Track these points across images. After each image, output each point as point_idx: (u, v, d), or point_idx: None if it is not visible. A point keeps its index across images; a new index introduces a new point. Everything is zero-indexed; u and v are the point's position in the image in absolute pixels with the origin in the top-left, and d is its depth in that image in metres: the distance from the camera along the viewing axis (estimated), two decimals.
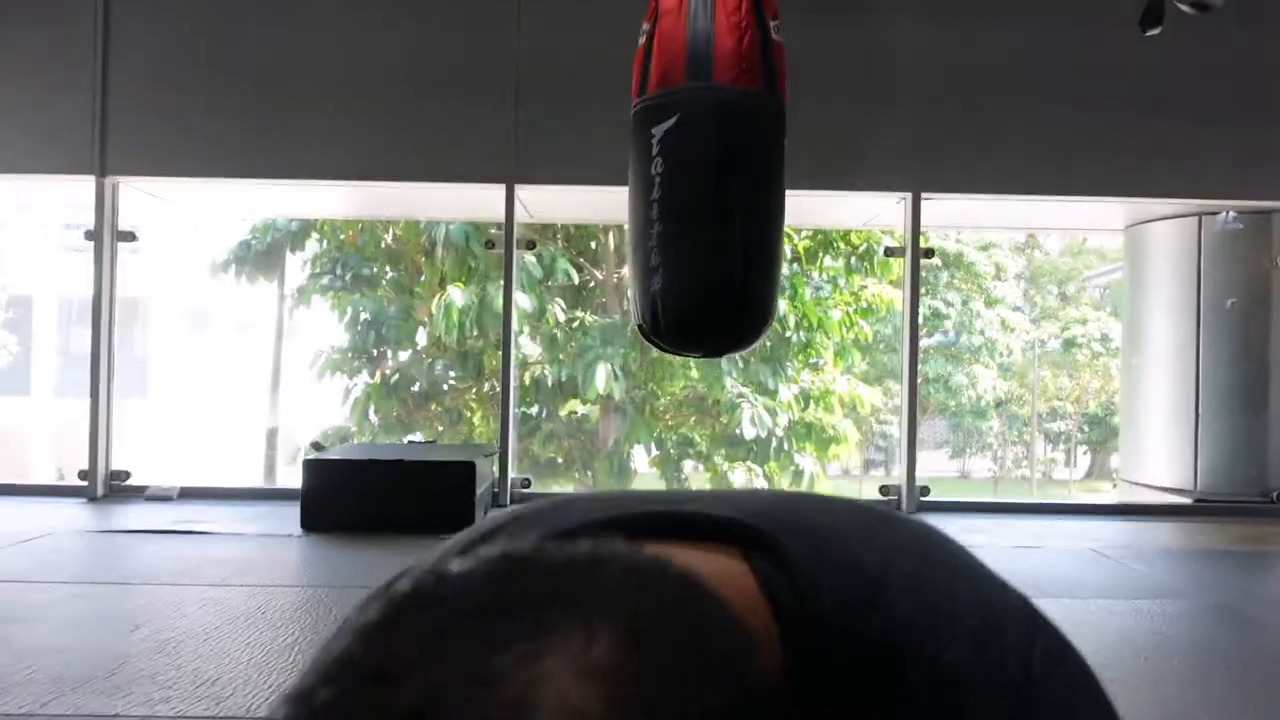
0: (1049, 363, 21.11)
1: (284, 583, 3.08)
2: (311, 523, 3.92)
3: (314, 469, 4.09)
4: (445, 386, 9.51)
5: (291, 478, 8.94)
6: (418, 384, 9.42)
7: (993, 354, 19.26)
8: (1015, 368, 20.41)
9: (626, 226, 2.57)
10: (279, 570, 3.25)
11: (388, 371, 9.22)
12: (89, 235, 4.76)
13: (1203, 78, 4.73)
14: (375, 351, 9.17)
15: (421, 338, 9.44)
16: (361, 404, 8.93)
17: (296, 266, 9.99)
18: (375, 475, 4.09)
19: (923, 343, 18.99)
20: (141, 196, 5.16)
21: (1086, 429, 20.74)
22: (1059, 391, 21.04)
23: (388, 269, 9.74)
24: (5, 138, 4.75)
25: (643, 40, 2.51)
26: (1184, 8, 2.49)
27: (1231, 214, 5.04)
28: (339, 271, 9.47)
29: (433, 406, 9.62)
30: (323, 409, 9.74)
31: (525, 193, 4.90)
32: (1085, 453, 21.30)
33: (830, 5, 4.68)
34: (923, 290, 19.16)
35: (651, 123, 2.38)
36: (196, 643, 2.32)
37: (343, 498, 3.98)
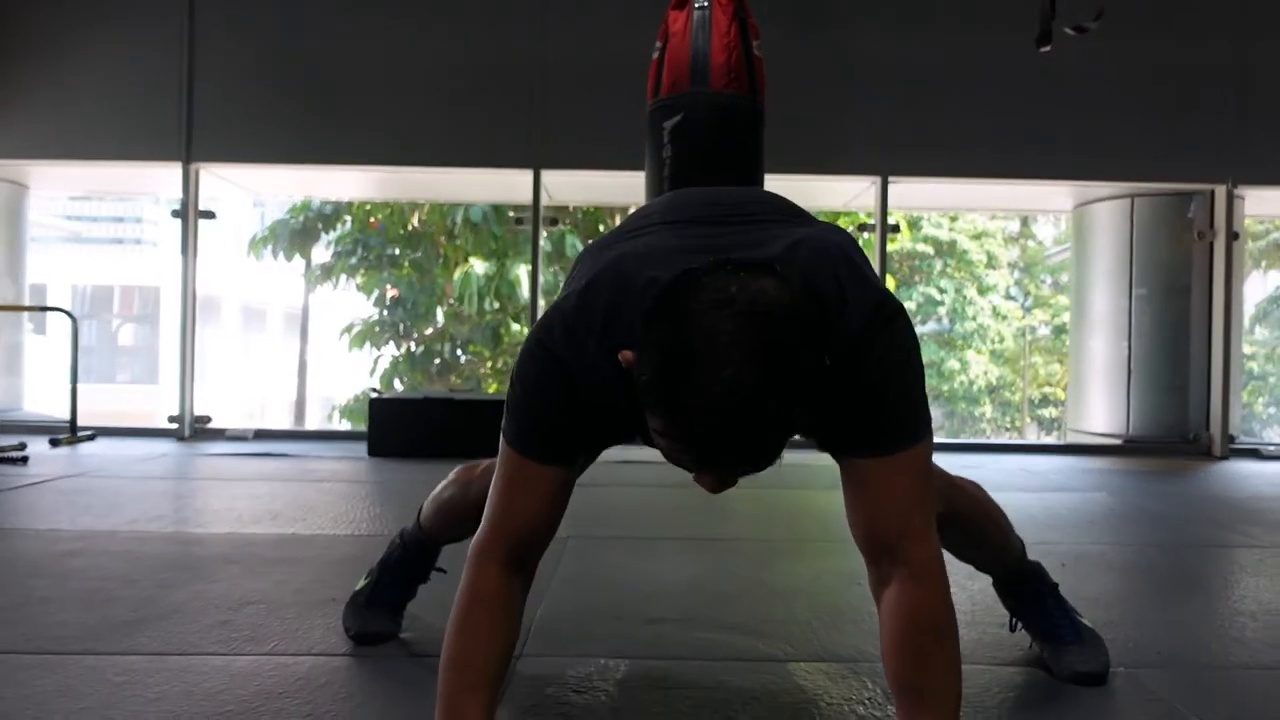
0: (1040, 349, 21.81)
1: (362, 479, 3.85)
2: (376, 449, 4.71)
3: (378, 406, 4.87)
4: (464, 359, 10.30)
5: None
6: (438, 359, 10.22)
7: (985, 340, 19.95)
8: (1007, 354, 21.09)
9: (644, 198, 3.33)
10: (356, 476, 4.02)
11: (413, 344, 10.01)
12: (175, 214, 5.53)
13: (1133, 78, 5.50)
14: (402, 326, 9.93)
15: (440, 317, 10.22)
16: (389, 373, 9.71)
17: (322, 246, 10.74)
18: (430, 410, 4.87)
19: (917, 329, 19.70)
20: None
21: (1065, 428, 21.01)
22: (1049, 377, 21.74)
23: (409, 251, 10.49)
24: (99, 129, 5.51)
25: (655, 55, 3.28)
26: (1068, 30, 3.25)
27: (1196, 204, 5.75)
28: (362, 252, 10.22)
29: (452, 378, 10.40)
30: (350, 377, 10.49)
31: (548, 177, 5.66)
32: None
33: (809, 17, 5.45)
34: (916, 278, 19.62)
35: (663, 118, 3.16)
36: (320, 510, 3.12)
37: (402, 429, 4.76)
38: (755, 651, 1.66)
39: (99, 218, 30.23)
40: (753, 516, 3.05)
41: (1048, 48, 3.17)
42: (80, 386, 5.27)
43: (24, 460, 4.10)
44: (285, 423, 12.17)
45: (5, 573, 2.12)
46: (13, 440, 4.54)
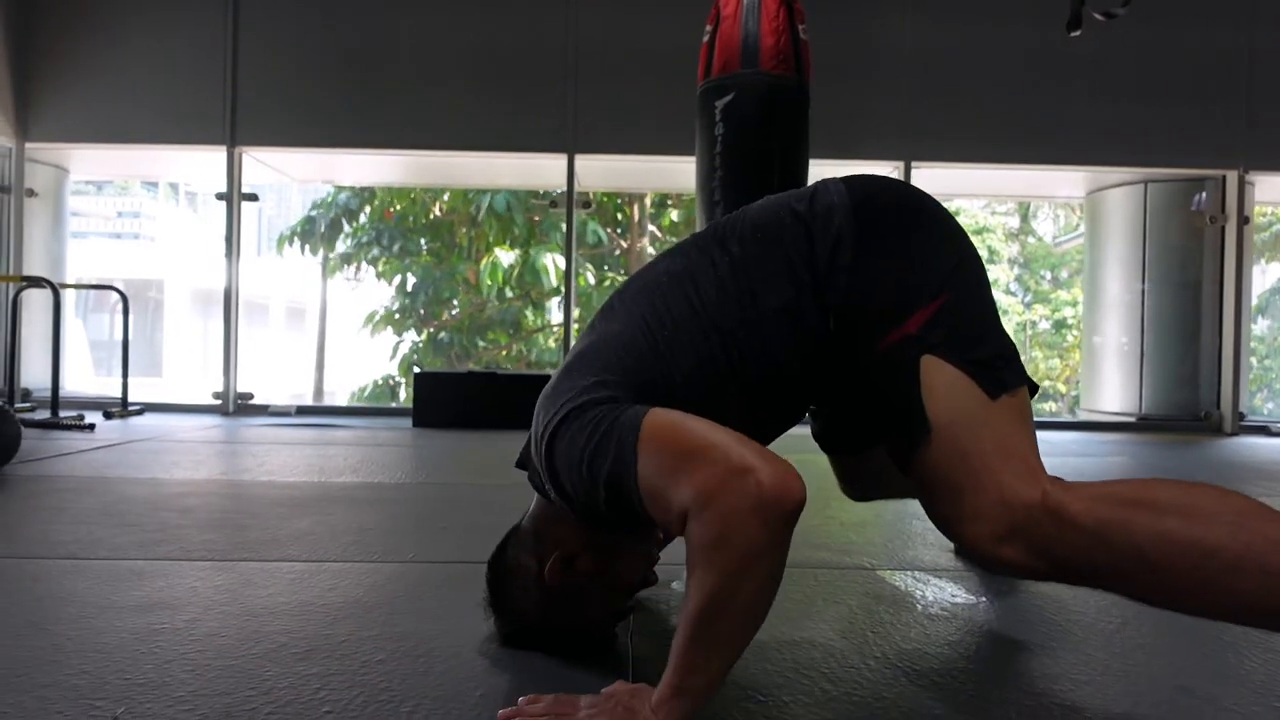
0: (1040, 344, 22.01)
1: (418, 444, 4.03)
2: (421, 421, 4.89)
3: (423, 380, 5.05)
4: (481, 345, 10.47)
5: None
6: (456, 347, 10.39)
7: None
8: None
9: (695, 174, 3.51)
10: (411, 442, 4.20)
11: (432, 330, 10.17)
12: (220, 196, 5.70)
13: (1147, 66, 5.69)
14: (423, 312, 10.10)
15: (457, 305, 10.38)
16: (409, 359, 9.88)
17: (343, 240, 10.89)
18: (472, 384, 5.05)
19: None
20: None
21: (1077, 410, 21.21)
22: (1050, 372, 21.94)
23: (423, 241, 10.63)
24: (146, 114, 5.68)
25: (706, 39, 3.47)
26: (1097, 15, 3.42)
27: (1204, 195, 5.95)
28: (384, 242, 10.37)
29: (470, 365, 10.57)
30: (367, 364, 10.64)
31: (580, 162, 5.83)
32: None
33: (836, 5, 5.63)
34: None
35: (715, 97, 3.34)
36: (394, 465, 3.30)
37: (446, 402, 4.94)
38: (844, 563, 1.84)
39: (102, 214, 30.25)
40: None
41: (1078, 32, 3.34)
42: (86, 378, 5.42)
43: (90, 428, 4.27)
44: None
45: (133, 507, 2.30)
46: (69, 414, 4.71)
